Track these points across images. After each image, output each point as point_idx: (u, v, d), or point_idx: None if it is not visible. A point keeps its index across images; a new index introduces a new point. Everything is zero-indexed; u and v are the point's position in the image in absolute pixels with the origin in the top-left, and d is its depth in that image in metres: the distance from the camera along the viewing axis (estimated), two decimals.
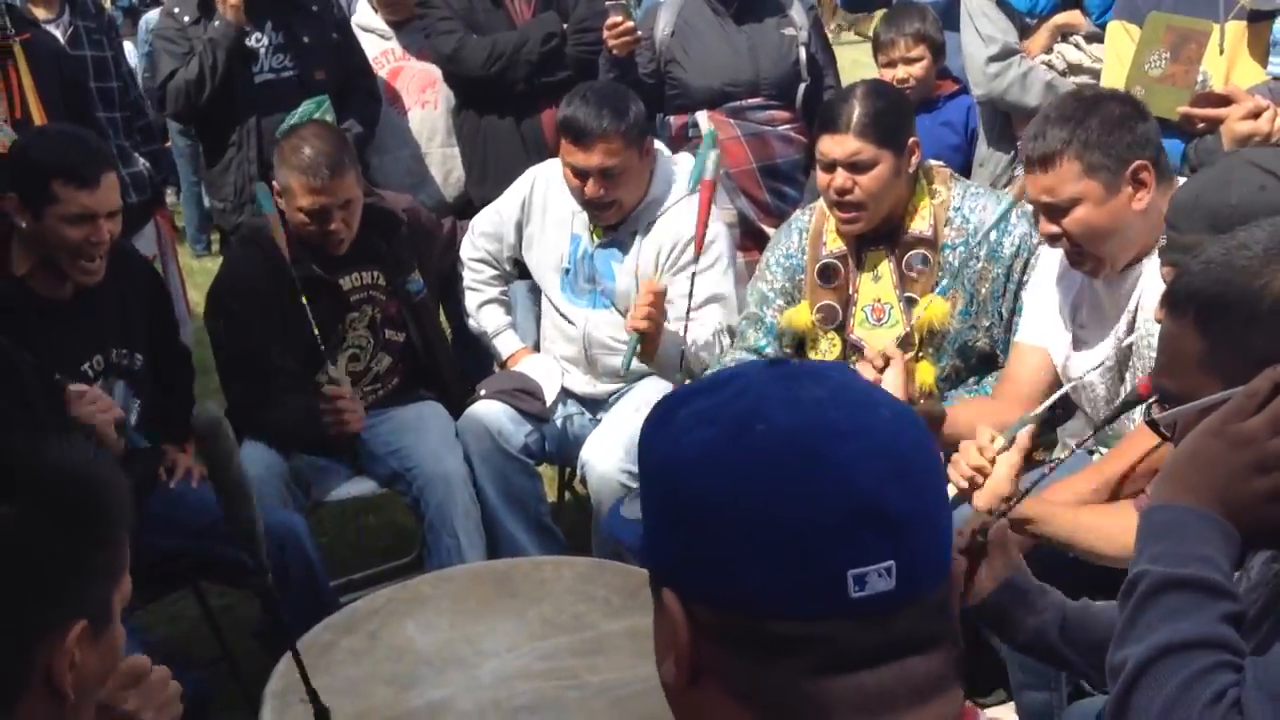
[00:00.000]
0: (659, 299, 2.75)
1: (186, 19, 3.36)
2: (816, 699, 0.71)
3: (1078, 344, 2.25)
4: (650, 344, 2.78)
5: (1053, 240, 2.13)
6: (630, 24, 3.35)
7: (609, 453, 2.79)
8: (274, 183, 2.86)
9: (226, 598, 3.02)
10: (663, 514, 0.75)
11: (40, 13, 3.45)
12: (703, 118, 3.43)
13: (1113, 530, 1.76)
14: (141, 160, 3.18)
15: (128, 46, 5.10)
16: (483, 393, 3.01)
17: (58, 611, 1.06)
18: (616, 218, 2.93)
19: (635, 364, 2.89)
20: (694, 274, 2.75)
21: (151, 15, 5.17)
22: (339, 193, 2.77)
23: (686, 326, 2.78)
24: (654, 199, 2.94)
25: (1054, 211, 2.08)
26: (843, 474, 0.70)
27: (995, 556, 1.47)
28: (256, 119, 3.36)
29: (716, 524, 0.71)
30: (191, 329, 3.75)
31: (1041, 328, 2.31)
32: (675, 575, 0.74)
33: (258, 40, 3.37)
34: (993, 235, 2.50)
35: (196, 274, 5.56)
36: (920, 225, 2.56)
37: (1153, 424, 1.30)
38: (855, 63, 7.40)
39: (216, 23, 3.28)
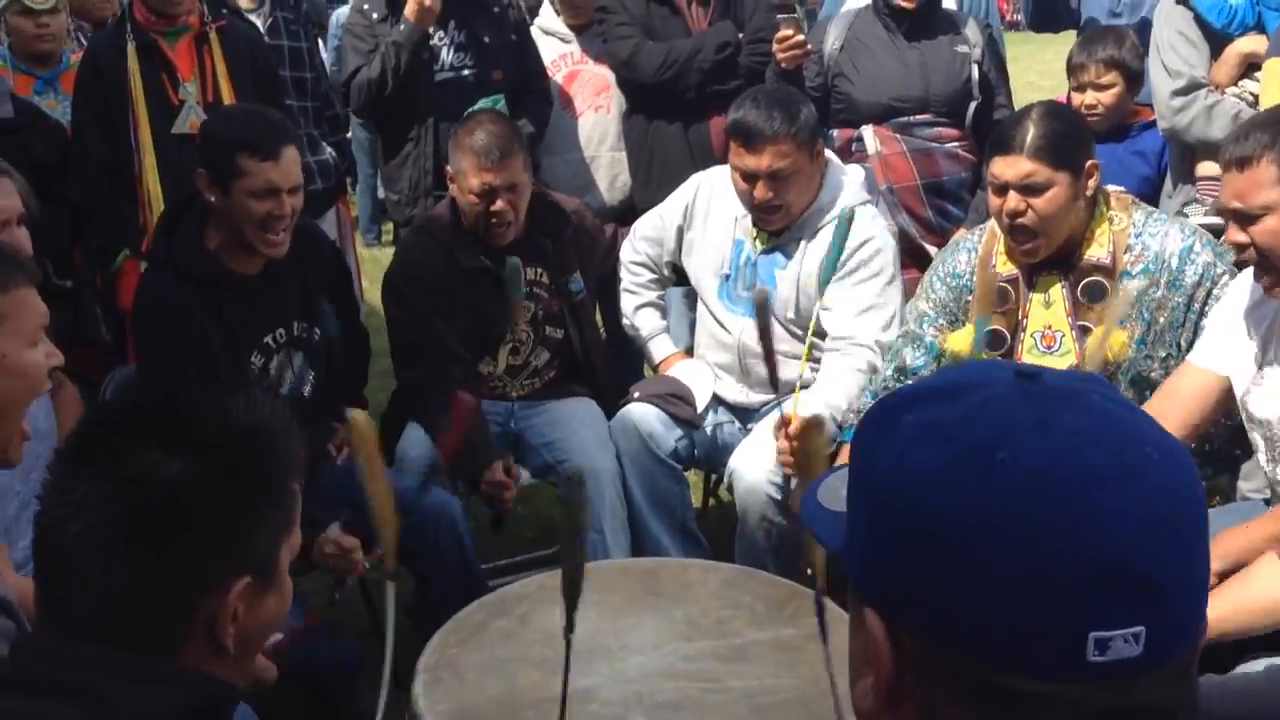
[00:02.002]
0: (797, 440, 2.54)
1: (375, 16, 3.51)
2: None
3: (1263, 378, 2.16)
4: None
5: (1239, 250, 2.05)
6: (800, 37, 3.35)
7: (759, 463, 2.79)
8: (447, 168, 2.97)
9: (381, 572, 3.13)
10: (876, 530, 0.68)
11: (243, 2, 3.65)
12: (868, 132, 3.41)
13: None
14: (328, 149, 3.34)
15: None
16: (636, 395, 3.05)
17: (226, 565, 1.07)
18: (784, 222, 2.92)
19: (784, 376, 2.89)
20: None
21: (342, 11, 5.40)
22: (507, 174, 2.85)
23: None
24: (821, 206, 2.93)
25: (1243, 219, 2.00)
26: (1097, 526, 0.62)
27: None
28: (435, 116, 3.49)
29: (942, 559, 0.64)
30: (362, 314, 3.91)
31: (1222, 354, 2.21)
32: (885, 600, 0.68)
33: (440, 39, 3.49)
34: (1174, 264, 2.42)
35: (366, 263, 5.78)
36: (1098, 252, 2.49)
37: None
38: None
39: (402, 25, 3.42)
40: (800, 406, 2.74)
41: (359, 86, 3.46)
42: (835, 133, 3.49)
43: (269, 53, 3.38)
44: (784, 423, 2.62)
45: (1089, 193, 2.47)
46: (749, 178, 2.85)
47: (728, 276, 3.02)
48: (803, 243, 2.93)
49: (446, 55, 3.48)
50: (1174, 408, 2.21)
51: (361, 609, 2.91)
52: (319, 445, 2.75)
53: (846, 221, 2.80)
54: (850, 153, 3.41)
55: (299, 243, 2.68)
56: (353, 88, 3.48)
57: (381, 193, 4.22)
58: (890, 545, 0.67)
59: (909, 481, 0.66)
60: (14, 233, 2.24)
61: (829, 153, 3.05)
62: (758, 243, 2.98)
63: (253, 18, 3.61)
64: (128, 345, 3.07)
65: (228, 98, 3.16)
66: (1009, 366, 0.70)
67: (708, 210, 3.06)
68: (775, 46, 3.36)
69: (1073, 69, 3.46)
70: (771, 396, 3.03)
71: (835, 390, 2.79)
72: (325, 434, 2.80)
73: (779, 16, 3.36)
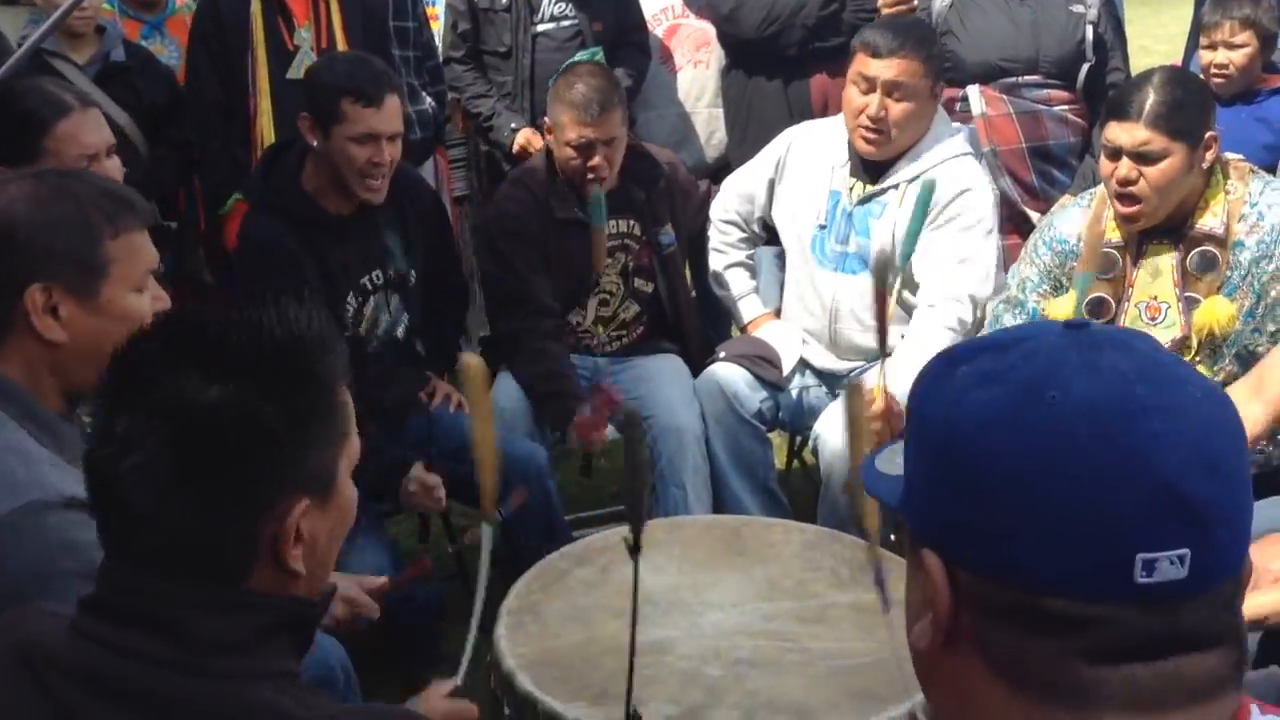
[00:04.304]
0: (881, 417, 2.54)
1: None
2: (1083, 684, 0.67)
3: None
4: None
5: None
6: None
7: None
8: (545, 120, 2.97)
9: (468, 519, 3.19)
10: (933, 473, 0.72)
11: None
12: (974, 92, 3.32)
13: None
14: (428, 99, 3.36)
15: None
16: (722, 355, 3.04)
17: (280, 486, 1.05)
18: (888, 153, 2.86)
19: (874, 344, 2.85)
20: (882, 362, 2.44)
21: None
22: (606, 129, 2.85)
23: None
24: (923, 150, 2.86)
25: None
26: (1143, 454, 0.66)
27: None
28: (531, 67, 3.48)
29: (996, 492, 0.68)
30: None
31: None
32: (942, 538, 0.71)
33: None
34: None
35: None
36: (1211, 222, 2.39)
37: None
38: None
39: None
40: (887, 376, 2.70)
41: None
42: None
43: (377, 2, 3.40)
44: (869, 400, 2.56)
45: (1205, 164, 2.37)
46: (868, 86, 2.79)
47: (823, 227, 2.97)
48: (902, 187, 2.86)
49: (547, 6, 3.47)
50: (1271, 386, 2.14)
51: (445, 553, 2.96)
52: (410, 392, 2.80)
53: (929, 191, 2.75)
54: (954, 112, 3.32)
55: (399, 186, 2.71)
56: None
57: None
58: (947, 485, 0.71)
59: (963, 422, 0.70)
60: (105, 164, 2.26)
61: (941, 108, 2.98)
62: (854, 192, 2.93)
63: None
64: (233, 287, 3.15)
65: (341, 44, 3.19)
66: (1060, 321, 0.74)
67: (801, 162, 3.01)
68: (880, 1, 3.28)
69: (1205, 27, 3.33)
70: (859, 363, 3.00)
71: (924, 355, 2.73)
72: (418, 381, 2.84)
73: None
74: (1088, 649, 0.67)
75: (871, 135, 2.83)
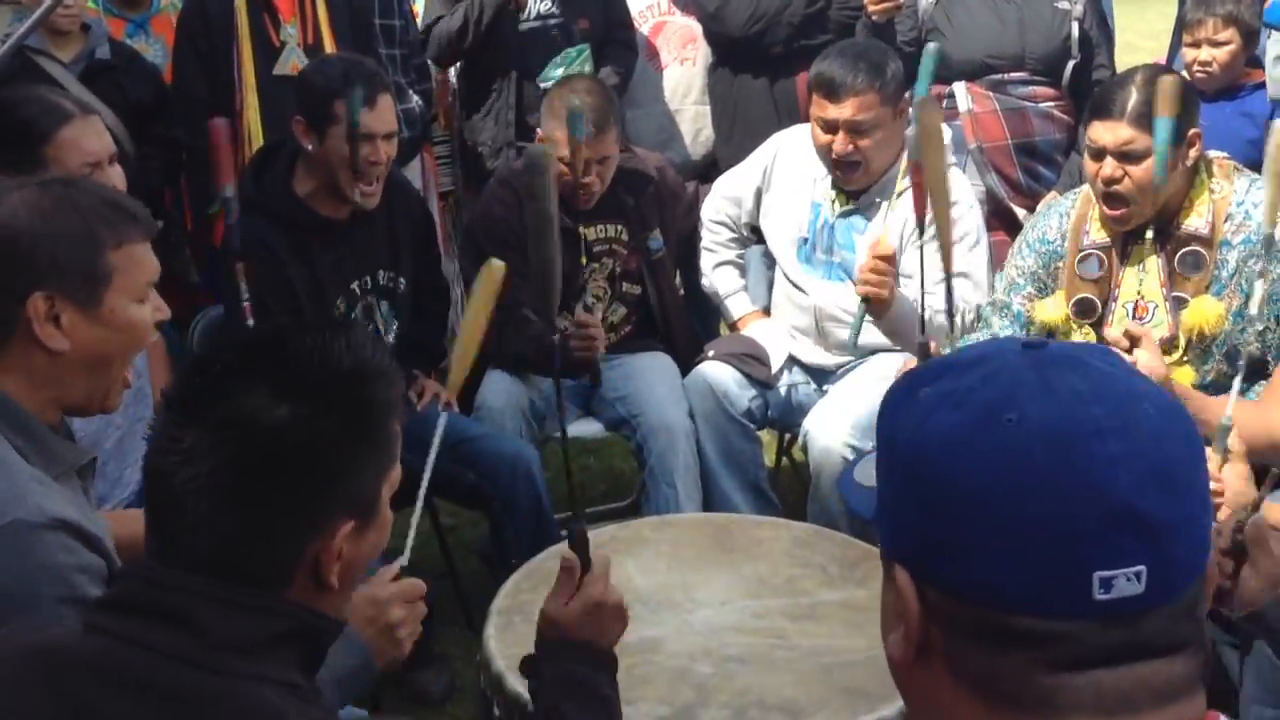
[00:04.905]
0: (888, 262, 2.65)
1: None
2: (1049, 693, 0.69)
3: None
4: (880, 310, 2.68)
5: None
6: None
7: (834, 425, 2.78)
8: (538, 130, 2.97)
9: (456, 518, 3.20)
10: (901, 493, 0.74)
11: None
12: (960, 89, 3.34)
13: None
14: (415, 97, 3.35)
15: None
16: (711, 354, 3.05)
17: (331, 507, 1.08)
18: (863, 181, 2.87)
19: (862, 340, 2.87)
20: (921, 246, 2.58)
21: None
22: (599, 148, 2.85)
23: (923, 301, 2.71)
24: (902, 165, 2.87)
25: None
26: (1098, 475, 0.67)
27: (1259, 556, 1.39)
28: (518, 67, 3.47)
29: (959, 513, 0.70)
30: None
31: None
32: (910, 556, 0.73)
33: None
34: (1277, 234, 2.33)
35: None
36: (1196, 221, 2.40)
37: None
38: None
39: None
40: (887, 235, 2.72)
41: (438, 36, 3.43)
42: None
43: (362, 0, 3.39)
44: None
45: (1189, 162, 2.38)
46: (828, 128, 2.80)
47: (805, 240, 2.99)
48: (882, 205, 2.88)
49: (533, 3, 3.46)
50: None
51: (435, 551, 2.96)
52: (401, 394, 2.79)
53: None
54: (940, 110, 3.33)
55: (387, 192, 2.71)
56: (432, 36, 3.45)
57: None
58: (914, 505, 0.73)
59: (927, 445, 0.72)
60: (107, 172, 2.25)
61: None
62: (835, 205, 2.94)
63: None
64: (217, 287, 3.14)
65: (328, 40, 3.18)
66: (1018, 340, 0.76)
67: (786, 172, 3.03)
68: None
69: (1188, 24, 3.34)
70: (848, 359, 3.01)
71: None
72: (405, 383, 2.84)
73: None
74: (1052, 660, 0.69)
75: (844, 172, 2.85)
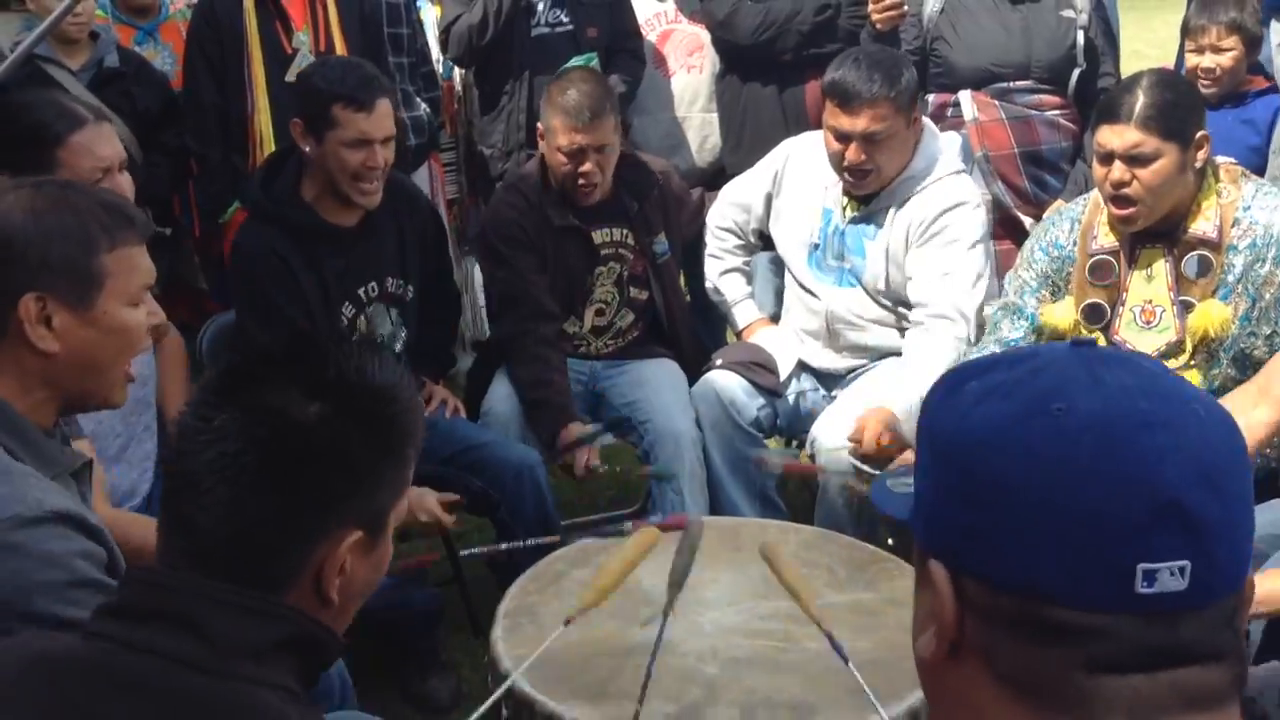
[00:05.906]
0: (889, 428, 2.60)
1: None
2: (1085, 693, 0.68)
3: None
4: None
5: None
6: None
7: (842, 431, 2.77)
8: (538, 125, 2.98)
9: (462, 524, 3.18)
10: (943, 487, 0.73)
11: None
12: (965, 97, 3.34)
13: None
14: (423, 105, 3.37)
15: None
16: (718, 362, 3.04)
17: (342, 512, 1.09)
18: (874, 186, 2.87)
19: (874, 343, 2.88)
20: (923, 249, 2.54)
21: None
22: (597, 135, 2.85)
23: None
24: (914, 174, 2.87)
25: None
26: (1146, 467, 0.67)
27: None
28: (529, 72, 3.48)
29: (1002, 501, 0.69)
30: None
31: None
32: (949, 549, 0.73)
33: None
34: None
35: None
36: (1204, 226, 2.40)
37: None
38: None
39: None
40: (894, 392, 2.72)
41: (459, 34, 3.43)
42: (931, 97, 3.41)
43: (373, 6, 3.41)
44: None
45: (1198, 165, 2.39)
46: (842, 138, 2.80)
47: (816, 246, 2.98)
48: (892, 211, 2.88)
49: (543, 10, 3.48)
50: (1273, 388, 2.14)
51: (441, 558, 2.95)
52: None
53: None
54: (946, 118, 3.34)
55: (395, 198, 2.71)
56: (452, 35, 3.45)
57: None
58: (955, 497, 0.72)
59: (971, 434, 0.72)
60: (116, 179, 2.26)
61: (926, 120, 2.99)
62: (847, 211, 2.94)
63: None
64: (227, 294, 3.15)
65: (340, 47, 3.19)
66: (1067, 341, 0.76)
67: (797, 178, 3.03)
68: (871, 7, 3.30)
69: (1190, 31, 3.34)
70: (860, 362, 3.01)
71: (924, 378, 2.73)
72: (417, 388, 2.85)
73: None
74: (1089, 659, 0.68)
75: (855, 179, 2.85)
